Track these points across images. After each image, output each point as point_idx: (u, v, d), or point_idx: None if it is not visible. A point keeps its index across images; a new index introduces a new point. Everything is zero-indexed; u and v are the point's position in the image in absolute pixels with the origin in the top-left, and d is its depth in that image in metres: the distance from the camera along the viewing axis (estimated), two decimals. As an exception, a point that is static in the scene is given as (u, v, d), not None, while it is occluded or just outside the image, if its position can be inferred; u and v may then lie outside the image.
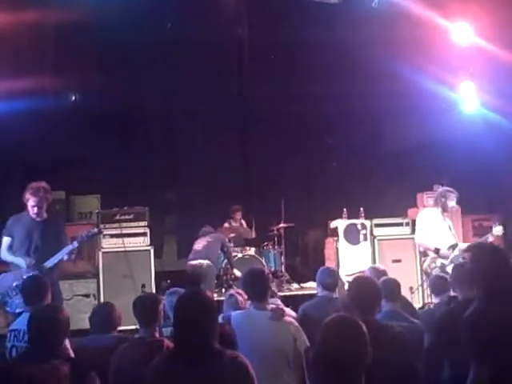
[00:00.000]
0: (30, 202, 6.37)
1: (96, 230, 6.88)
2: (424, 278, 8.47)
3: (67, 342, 4.60)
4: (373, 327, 3.05)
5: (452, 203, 7.73)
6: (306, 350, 4.27)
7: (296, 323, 4.48)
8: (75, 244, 6.40)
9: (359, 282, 4.23)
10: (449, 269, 7.20)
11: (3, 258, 6.46)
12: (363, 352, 2.79)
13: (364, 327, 2.86)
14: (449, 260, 7.31)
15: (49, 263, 6.30)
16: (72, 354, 4.50)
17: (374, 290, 4.10)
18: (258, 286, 4.56)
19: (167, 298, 5.28)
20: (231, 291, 5.27)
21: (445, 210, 7.68)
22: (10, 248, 6.42)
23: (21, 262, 6.28)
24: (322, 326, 2.89)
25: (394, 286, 5.00)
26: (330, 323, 2.89)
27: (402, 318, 4.70)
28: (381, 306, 4.26)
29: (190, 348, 3.04)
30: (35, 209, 6.37)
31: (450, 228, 7.68)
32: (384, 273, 5.62)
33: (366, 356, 2.79)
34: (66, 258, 6.41)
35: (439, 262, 7.42)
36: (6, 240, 6.45)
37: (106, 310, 4.88)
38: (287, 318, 4.48)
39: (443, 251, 7.37)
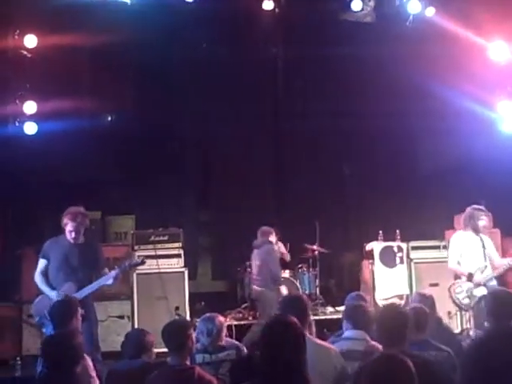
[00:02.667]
0: (68, 226, 6.42)
1: (139, 259, 6.88)
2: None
3: (90, 368, 4.61)
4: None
5: (482, 222, 7.46)
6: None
7: (335, 349, 4.38)
8: (118, 272, 6.40)
9: (385, 312, 4.13)
10: (476, 292, 7.04)
11: (36, 282, 6.51)
12: None
13: (412, 365, 2.78)
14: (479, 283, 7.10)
15: (90, 289, 6.33)
16: (95, 380, 4.52)
17: (402, 319, 3.99)
18: (297, 311, 4.45)
19: (200, 325, 5.22)
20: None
21: (476, 230, 7.43)
22: (45, 271, 6.47)
23: (50, 292, 6.32)
24: (370, 365, 2.82)
25: (421, 314, 4.84)
26: (378, 362, 2.82)
27: (431, 346, 4.57)
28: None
29: (283, 378, 2.94)
30: (73, 233, 6.41)
31: (483, 247, 7.39)
32: (431, 300, 5.50)
33: None
34: (109, 282, 6.42)
35: (466, 286, 7.21)
36: (42, 262, 6.51)
37: (137, 336, 4.87)
38: (328, 345, 4.40)
39: (477, 277, 7.15)
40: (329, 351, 4.32)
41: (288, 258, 9.46)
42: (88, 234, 6.74)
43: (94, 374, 4.61)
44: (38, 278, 6.49)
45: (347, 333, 4.83)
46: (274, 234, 8.78)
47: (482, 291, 7.00)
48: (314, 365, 3.99)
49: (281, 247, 10.12)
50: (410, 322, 4.10)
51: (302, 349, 3.01)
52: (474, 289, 7.09)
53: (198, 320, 7.71)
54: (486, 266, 7.21)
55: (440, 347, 4.58)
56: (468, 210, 7.60)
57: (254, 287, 8.60)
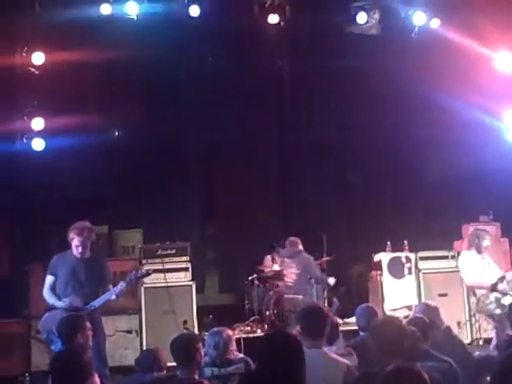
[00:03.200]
0: (75, 241, 6.43)
1: (144, 271, 6.84)
2: (478, 316, 8.28)
3: (97, 381, 4.60)
4: None
5: (486, 242, 7.62)
6: None
7: (349, 364, 4.29)
8: (123, 285, 6.39)
9: (383, 326, 4.09)
10: (504, 300, 7.04)
11: (45, 297, 6.52)
12: None
13: (426, 376, 2.77)
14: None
15: (95, 304, 6.33)
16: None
17: (400, 332, 3.95)
18: (314, 323, 4.39)
19: (208, 338, 5.22)
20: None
21: (479, 250, 7.58)
22: (53, 287, 6.48)
23: (58, 303, 6.34)
24: (385, 374, 2.80)
25: (421, 325, 4.73)
26: (391, 374, 2.81)
27: (432, 357, 4.51)
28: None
29: None
30: (79, 248, 6.43)
31: (489, 264, 7.54)
32: (435, 310, 5.48)
33: None
34: (113, 297, 6.43)
35: (493, 296, 7.21)
36: (50, 278, 6.51)
37: (150, 357, 4.87)
38: (339, 359, 4.33)
39: (501, 287, 7.16)
40: (338, 365, 4.25)
41: None
42: (94, 249, 6.76)
43: None
44: (46, 292, 6.49)
45: None
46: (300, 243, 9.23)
47: (509, 300, 7.06)
48: (324, 378, 3.98)
49: None
50: (411, 334, 4.05)
51: (297, 361, 2.97)
52: (501, 298, 7.11)
53: (206, 334, 7.73)
54: (504, 276, 7.27)
55: (442, 358, 4.50)
56: (472, 229, 7.85)
57: (291, 296, 8.54)
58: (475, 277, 7.50)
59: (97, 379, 4.58)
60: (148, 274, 6.79)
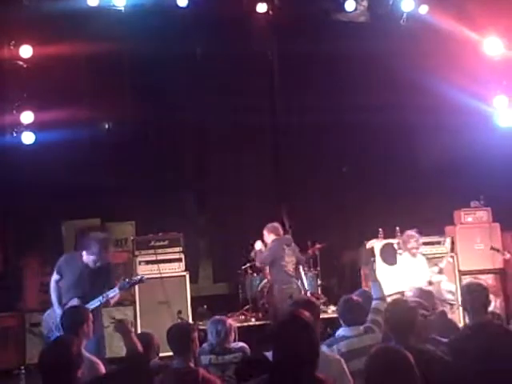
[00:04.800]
0: (93, 253, 6.35)
1: (139, 277, 6.76)
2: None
3: (102, 370, 4.63)
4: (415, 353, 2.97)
5: (411, 244, 8.26)
6: None
7: (339, 359, 4.24)
8: (116, 290, 6.34)
9: (395, 307, 4.14)
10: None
11: (50, 288, 6.50)
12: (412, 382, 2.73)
13: (411, 357, 2.79)
14: None
15: (89, 306, 6.30)
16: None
17: (412, 314, 4.01)
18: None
19: (209, 326, 5.24)
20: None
21: (411, 253, 8.29)
22: (57, 284, 6.47)
23: (57, 307, 6.34)
24: (368, 357, 2.82)
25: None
26: (375, 354, 2.83)
27: (439, 344, 4.56)
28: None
29: (293, 376, 2.87)
30: (95, 261, 6.36)
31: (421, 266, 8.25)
32: (430, 294, 5.53)
33: None
34: (104, 301, 6.36)
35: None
36: (55, 276, 6.48)
37: (143, 341, 4.87)
38: (331, 355, 4.27)
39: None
40: (330, 362, 4.17)
41: None
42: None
43: None
44: (52, 289, 6.47)
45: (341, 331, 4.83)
46: None
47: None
48: None
49: None
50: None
51: (315, 348, 2.96)
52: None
53: (200, 323, 7.75)
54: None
55: (439, 340, 4.58)
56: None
57: (295, 286, 8.46)
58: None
59: (101, 367, 4.61)
60: (141, 281, 6.68)
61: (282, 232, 8.71)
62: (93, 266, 6.40)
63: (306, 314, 3.06)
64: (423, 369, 3.33)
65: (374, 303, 5.08)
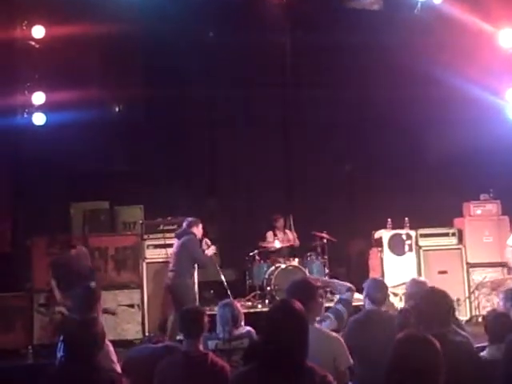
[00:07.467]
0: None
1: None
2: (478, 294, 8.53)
3: (112, 353, 4.65)
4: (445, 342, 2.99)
5: None
6: (348, 367, 4.16)
7: (339, 338, 4.30)
8: None
9: (431, 295, 4.14)
10: None
11: None
12: (438, 371, 2.75)
13: (438, 345, 2.81)
14: None
15: None
16: (116, 365, 4.55)
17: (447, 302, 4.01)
18: (300, 296, 4.38)
19: (220, 310, 5.24)
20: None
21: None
22: None
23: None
24: (396, 342, 2.83)
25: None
26: (404, 340, 2.83)
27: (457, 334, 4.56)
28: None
29: (282, 364, 2.87)
30: None
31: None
32: (426, 285, 5.50)
33: (441, 375, 2.75)
34: None
35: None
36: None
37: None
38: (331, 334, 4.31)
39: None
40: (331, 340, 4.22)
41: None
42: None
43: (115, 359, 4.65)
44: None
45: None
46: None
47: None
48: (315, 354, 3.95)
49: (287, 234, 10.20)
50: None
51: (304, 336, 2.96)
52: None
53: (207, 308, 7.75)
54: None
55: (458, 332, 4.58)
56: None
57: None
58: None
59: (111, 348, 4.65)
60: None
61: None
62: None
63: (296, 303, 3.05)
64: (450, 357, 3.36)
65: (345, 295, 5.13)
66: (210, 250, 8.25)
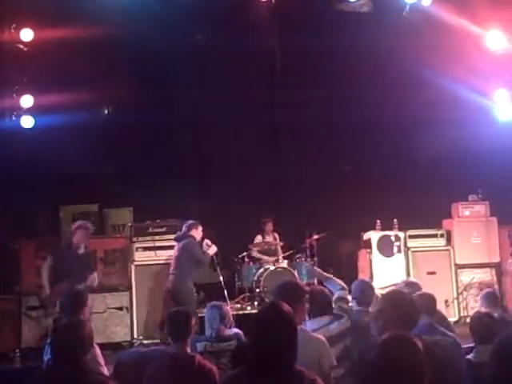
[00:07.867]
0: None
1: None
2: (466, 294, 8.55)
3: (99, 356, 4.65)
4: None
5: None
6: (332, 368, 4.18)
7: (323, 339, 4.30)
8: None
9: (394, 297, 4.14)
10: None
11: None
12: (423, 371, 2.76)
13: (421, 345, 2.81)
14: None
15: None
16: (103, 368, 4.55)
17: (411, 304, 4.02)
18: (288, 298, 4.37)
19: (208, 312, 5.24)
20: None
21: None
22: None
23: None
24: (380, 342, 2.84)
25: (431, 300, 4.97)
26: (388, 340, 2.84)
27: (437, 331, 4.60)
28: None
29: (270, 367, 2.86)
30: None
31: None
32: (417, 286, 5.54)
33: (425, 375, 2.75)
34: None
35: None
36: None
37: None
38: (315, 335, 4.32)
39: None
40: (316, 341, 4.23)
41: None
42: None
43: (102, 362, 4.65)
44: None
45: None
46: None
47: None
48: (301, 354, 3.95)
49: (276, 237, 10.22)
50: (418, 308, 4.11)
51: (292, 339, 2.95)
52: None
53: (197, 311, 7.74)
54: None
55: (445, 332, 4.60)
56: None
57: None
58: None
59: (98, 351, 4.64)
60: None
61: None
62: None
63: (285, 305, 3.05)
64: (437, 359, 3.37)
65: (337, 293, 5.23)
66: (212, 250, 8.28)
